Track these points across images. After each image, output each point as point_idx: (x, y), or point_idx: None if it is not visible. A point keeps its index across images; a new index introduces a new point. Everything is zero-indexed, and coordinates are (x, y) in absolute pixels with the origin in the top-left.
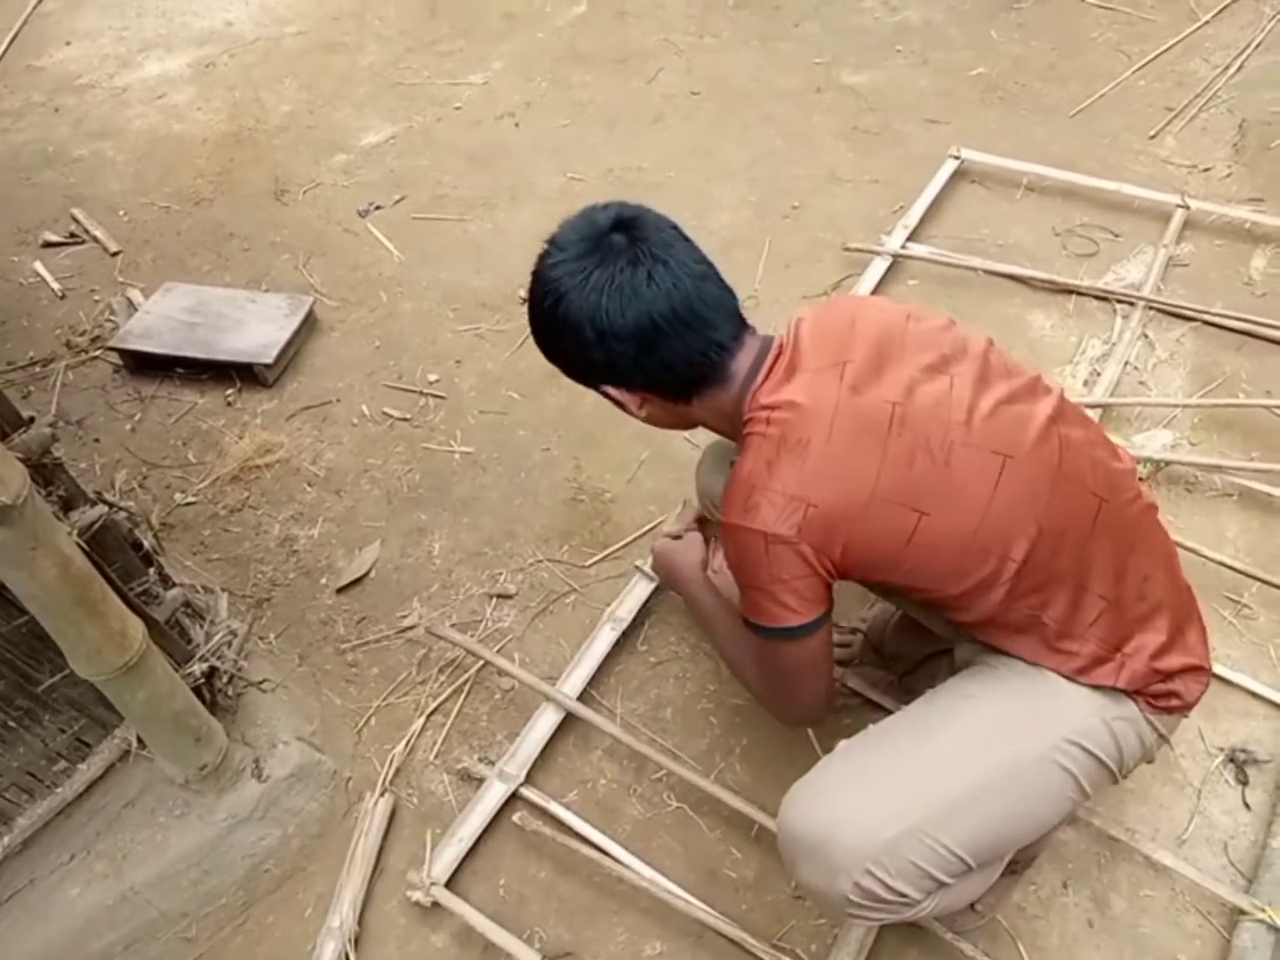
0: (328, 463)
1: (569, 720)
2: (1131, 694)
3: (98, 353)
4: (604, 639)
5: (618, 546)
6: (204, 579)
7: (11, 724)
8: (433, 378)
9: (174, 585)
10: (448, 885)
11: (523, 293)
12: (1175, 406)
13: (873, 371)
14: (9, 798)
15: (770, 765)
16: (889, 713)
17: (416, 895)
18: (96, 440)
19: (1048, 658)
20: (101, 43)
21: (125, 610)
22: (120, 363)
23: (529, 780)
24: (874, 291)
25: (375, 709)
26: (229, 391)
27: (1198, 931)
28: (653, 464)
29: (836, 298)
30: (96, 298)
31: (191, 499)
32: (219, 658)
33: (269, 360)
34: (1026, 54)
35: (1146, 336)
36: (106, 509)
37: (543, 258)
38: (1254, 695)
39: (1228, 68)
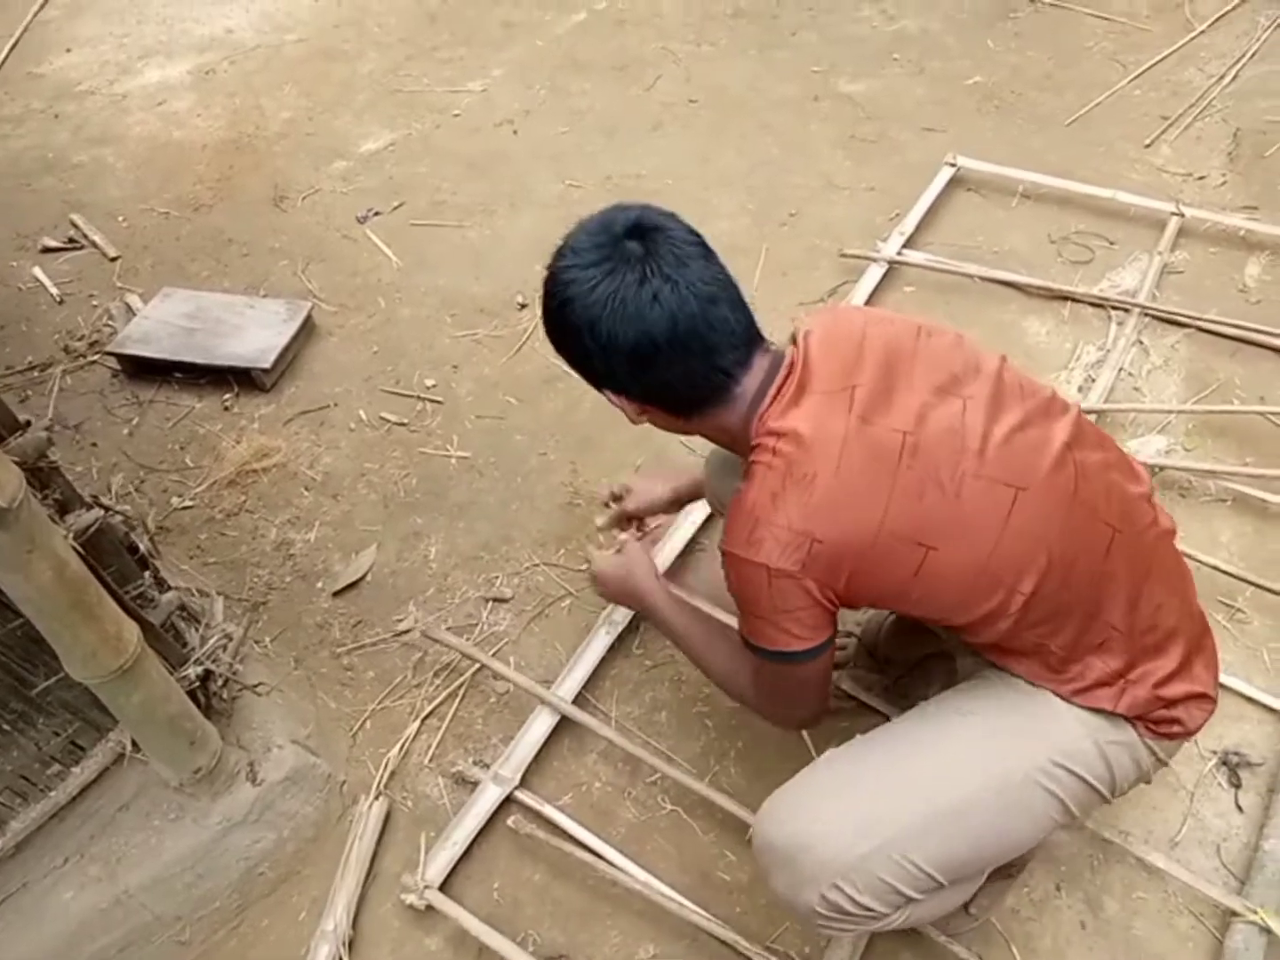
0: (325, 467)
1: (564, 723)
2: (1132, 719)
3: (96, 358)
4: (599, 642)
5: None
6: (200, 583)
7: (5, 727)
8: (430, 383)
9: (169, 589)
10: (442, 888)
11: (520, 299)
12: (1170, 412)
13: (882, 396)
14: (2, 801)
15: (764, 768)
16: (883, 716)
17: (411, 898)
18: (94, 444)
19: (1048, 679)
20: (102, 49)
21: (120, 614)
22: (118, 367)
23: (524, 783)
24: (870, 298)
25: (370, 712)
26: (227, 396)
27: (1190, 933)
28: (649, 468)
29: (845, 309)
30: (95, 303)
31: (188, 503)
32: (214, 661)
33: (267, 365)
34: (1023, 63)
35: (1141, 343)
36: (102, 512)
37: (557, 256)
38: (1247, 699)
39: (1223, 77)
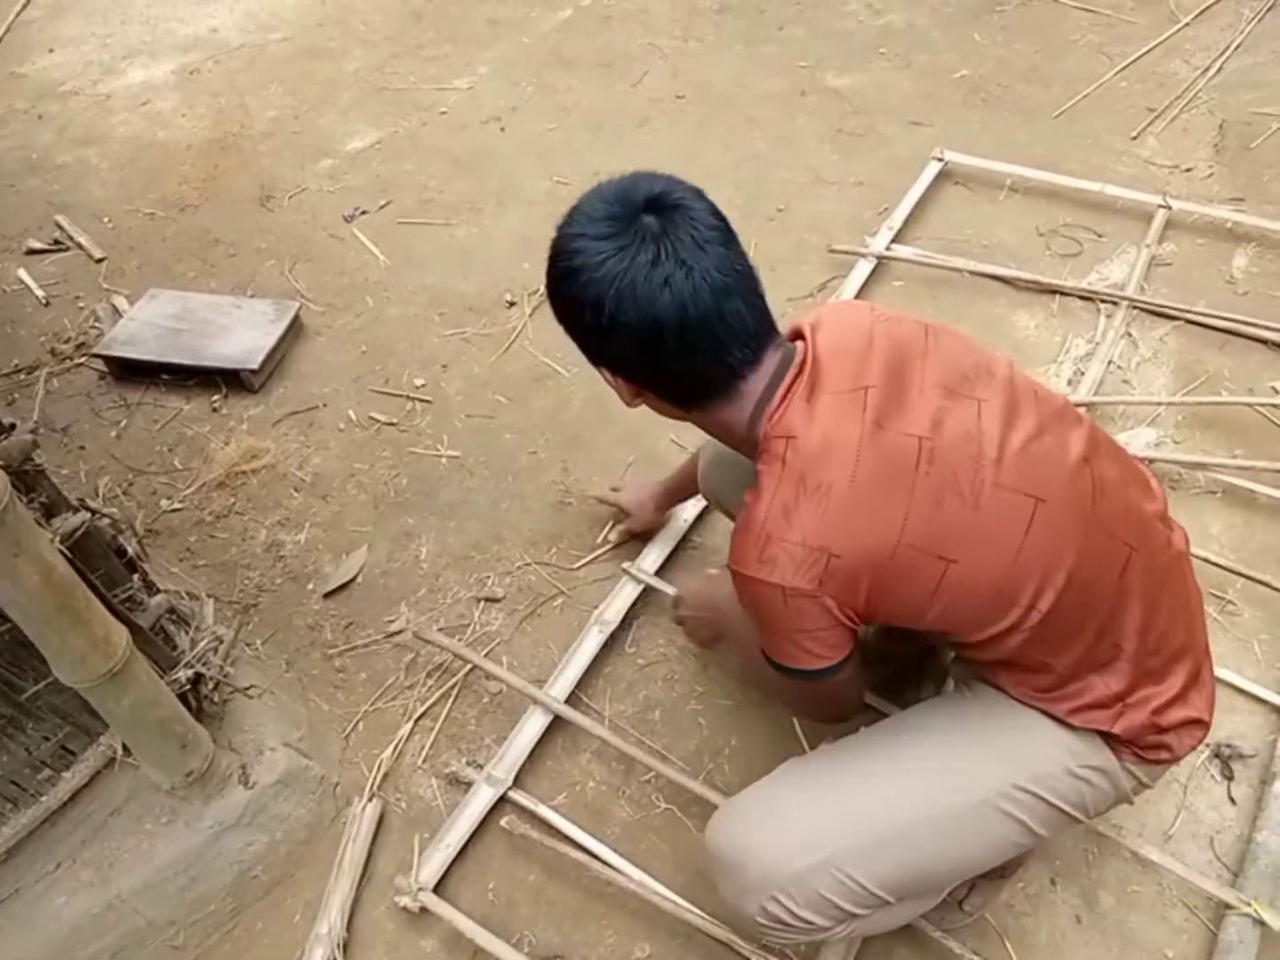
0: (314, 468)
1: (557, 723)
2: (1121, 742)
3: (83, 360)
4: (592, 641)
5: (605, 549)
6: (190, 585)
7: None
8: (419, 382)
9: (159, 592)
10: (437, 889)
11: (509, 296)
12: (1159, 405)
13: (895, 399)
14: None
15: (758, 766)
16: (877, 713)
17: (404, 901)
18: (81, 447)
19: (1041, 698)
20: (85, 49)
21: (109, 617)
22: (105, 370)
23: (517, 783)
24: (859, 294)
25: (363, 714)
26: (215, 397)
27: (1184, 926)
28: (640, 466)
29: (850, 304)
30: (81, 305)
31: (177, 505)
32: (205, 664)
33: (255, 366)
34: (1009, 56)
35: (1130, 335)
36: (89, 515)
37: (568, 220)
38: (1239, 691)
39: (1208, 69)
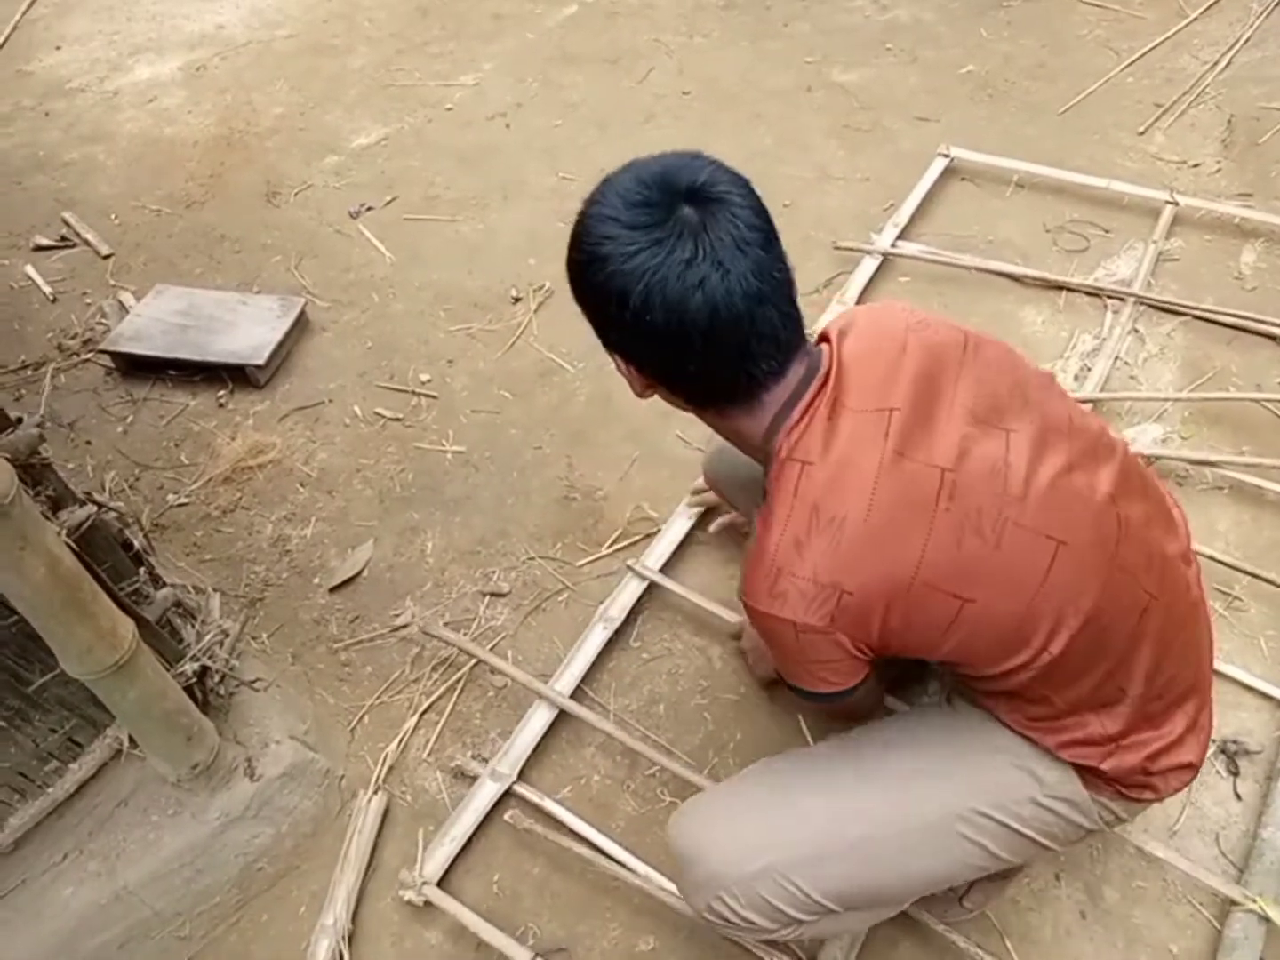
0: (320, 463)
1: (562, 717)
2: (1105, 779)
3: (89, 355)
4: (596, 636)
5: (610, 544)
6: (196, 579)
7: (2, 724)
8: (425, 378)
9: (165, 585)
10: (442, 882)
11: (514, 292)
12: (1166, 401)
13: (920, 423)
14: (1, 798)
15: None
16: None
17: (409, 895)
18: (88, 442)
19: (1032, 727)
20: (91, 47)
21: (115, 610)
22: (112, 365)
23: (522, 777)
24: (864, 290)
25: (368, 707)
26: (221, 393)
27: (1189, 922)
28: (644, 462)
29: (889, 307)
30: (88, 301)
31: (184, 500)
32: (211, 657)
33: (261, 361)
34: (1016, 51)
35: (1137, 331)
36: (95, 509)
37: (594, 199)
38: (1245, 687)
39: (1216, 64)
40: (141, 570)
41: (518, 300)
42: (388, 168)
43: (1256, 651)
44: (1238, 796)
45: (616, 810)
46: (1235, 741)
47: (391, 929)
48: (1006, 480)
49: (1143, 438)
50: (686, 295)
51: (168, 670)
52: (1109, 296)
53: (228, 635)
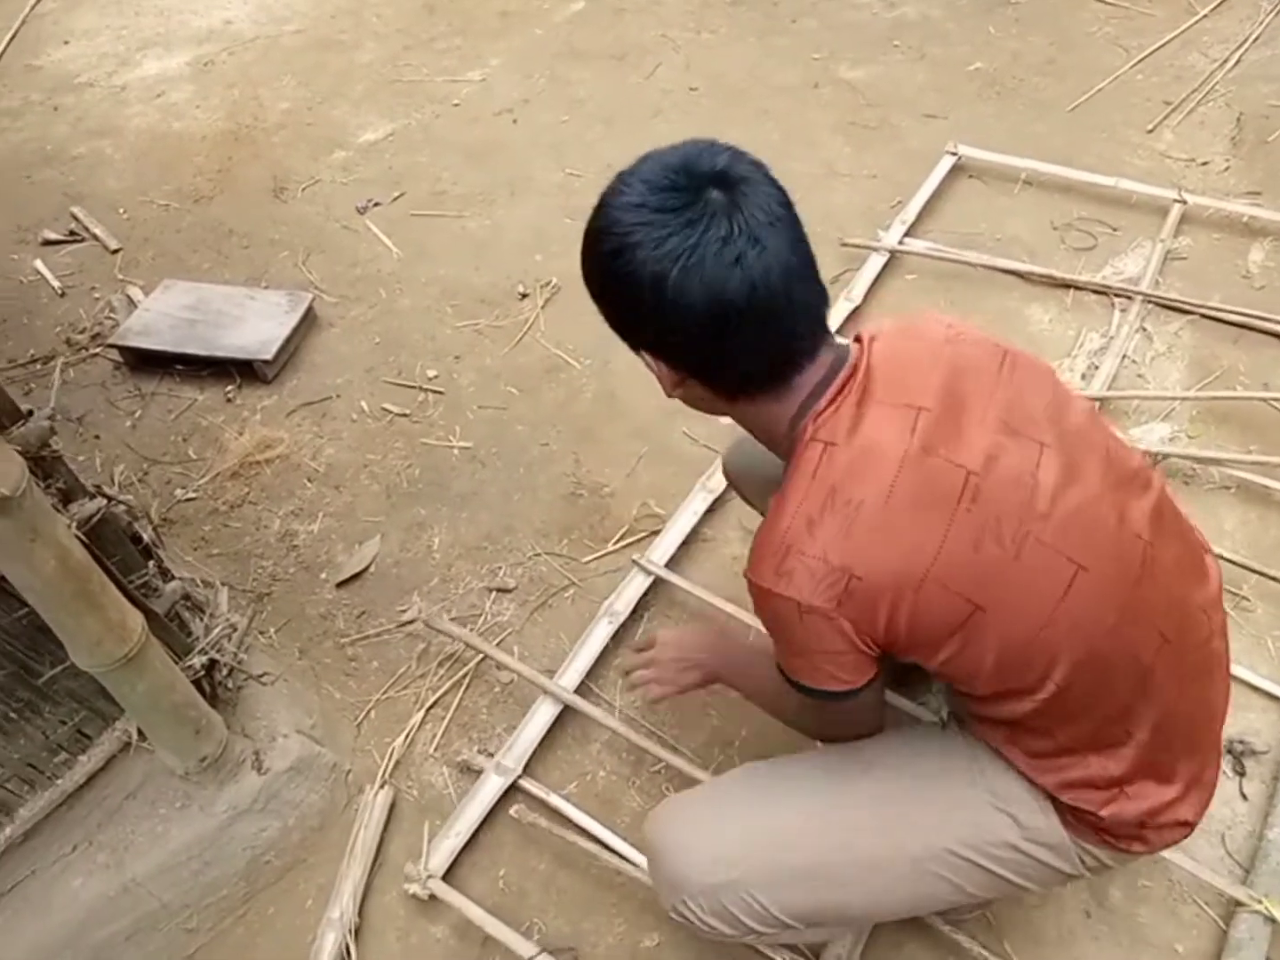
0: (327, 458)
1: (568, 713)
2: (1097, 828)
3: (98, 350)
4: (601, 632)
5: (616, 540)
6: (204, 573)
7: (12, 715)
8: (432, 373)
9: (173, 578)
10: (447, 876)
11: (521, 288)
12: (1173, 399)
13: (950, 424)
14: (10, 789)
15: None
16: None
17: (414, 889)
18: (97, 437)
19: (1031, 765)
20: (100, 42)
21: (125, 602)
22: (120, 360)
23: (528, 772)
24: (872, 287)
25: (375, 702)
26: (229, 388)
27: (1195, 922)
28: (651, 459)
29: (930, 318)
30: (96, 295)
31: (192, 495)
32: (219, 651)
33: (268, 356)
34: (1024, 49)
35: (1144, 330)
36: (105, 502)
37: (616, 190)
38: (1252, 688)
39: (1225, 61)
40: (150, 564)
41: (524, 296)
42: (395, 163)
43: (1263, 651)
44: (1244, 797)
45: (622, 806)
46: (1242, 742)
47: (397, 923)
48: (1033, 494)
49: (1150, 436)
50: (725, 273)
51: (176, 663)
52: (1116, 295)
53: (235, 629)
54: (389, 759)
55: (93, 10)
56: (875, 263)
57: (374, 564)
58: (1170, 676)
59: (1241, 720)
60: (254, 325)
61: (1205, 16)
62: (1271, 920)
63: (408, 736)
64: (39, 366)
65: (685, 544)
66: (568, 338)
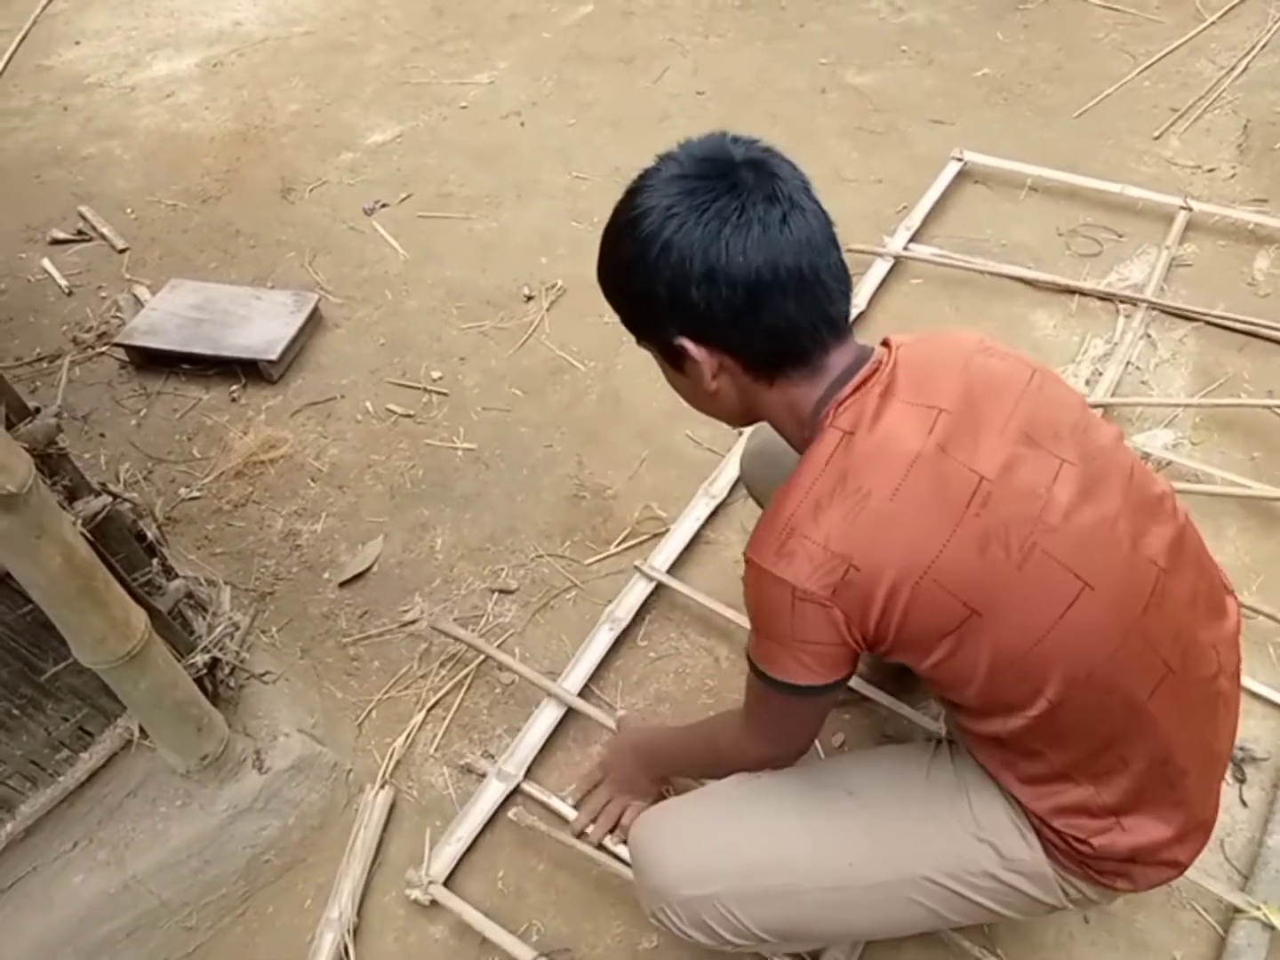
0: (331, 458)
1: (569, 715)
2: (1081, 860)
3: (104, 349)
4: (603, 635)
5: (619, 543)
6: (208, 572)
7: (15, 712)
8: (436, 375)
9: (177, 577)
10: (448, 879)
11: (527, 290)
12: (1177, 406)
13: (968, 430)
14: (12, 785)
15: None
16: (884, 707)
17: (415, 894)
18: (102, 435)
19: (1023, 790)
20: (110, 42)
21: (128, 600)
22: (126, 359)
23: (529, 774)
24: (876, 292)
25: (376, 702)
26: (234, 387)
27: (1193, 928)
28: (654, 461)
29: (961, 334)
30: (104, 294)
31: (196, 494)
32: (221, 649)
33: (274, 356)
34: (1032, 55)
35: (1149, 336)
36: (110, 499)
37: (653, 171)
38: (1253, 694)
39: (1233, 69)
40: (154, 561)
41: (530, 299)
42: (402, 165)
43: (1265, 659)
44: (1243, 803)
45: None
46: (1242, 748)
47: (396, 923)
48: (1045, 507)
49: (1153, 443)
50: (773, 233)
51: (179, 661)
52: (1121, 301)
53: (238, 628)
54: (389, 759)
55: (104, 11)
56: (880, 268)
57: (377, 564)
58: (1171, 708)
59: (1242, 727)
60: (260, 325)
61: (1213, 24)
62: (1270, 927)
63: (409, 737)
64: (46, 365)
65: (687, 547)
66: (572, 340)
